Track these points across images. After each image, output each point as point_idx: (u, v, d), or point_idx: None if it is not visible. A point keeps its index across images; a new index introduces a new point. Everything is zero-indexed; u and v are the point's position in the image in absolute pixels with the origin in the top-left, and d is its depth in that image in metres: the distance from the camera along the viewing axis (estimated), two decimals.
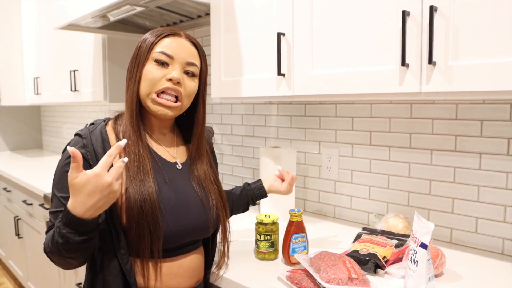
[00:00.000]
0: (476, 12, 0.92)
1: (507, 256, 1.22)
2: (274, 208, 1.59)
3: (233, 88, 1.50)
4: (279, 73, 1.30)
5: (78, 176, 0.79)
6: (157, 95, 0.97)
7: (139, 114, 0.99)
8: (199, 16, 1.96)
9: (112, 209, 0.91)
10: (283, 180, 1.27)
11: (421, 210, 1.40)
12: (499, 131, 1.22)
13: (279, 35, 1.29)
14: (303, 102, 1.72)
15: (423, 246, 0.90)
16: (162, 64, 0.97)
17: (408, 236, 1.21)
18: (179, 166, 1.05)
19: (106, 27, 2.10)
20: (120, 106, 1.06)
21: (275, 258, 1.21)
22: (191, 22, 2.04)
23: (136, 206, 0.90)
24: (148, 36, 0.99)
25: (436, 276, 1.06)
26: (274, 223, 1.19)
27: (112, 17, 1.85)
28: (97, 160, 0.92)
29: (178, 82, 0.97)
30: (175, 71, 0.97)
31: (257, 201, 1.29)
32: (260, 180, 1.30)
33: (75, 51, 2.56)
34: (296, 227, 1.15)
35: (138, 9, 1.69)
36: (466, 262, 1.18)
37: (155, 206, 0.92)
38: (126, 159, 0.83)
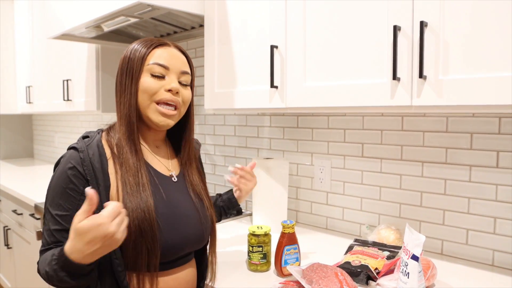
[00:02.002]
0: (465, 27, 0.94)
1: (498, 268, 1.23)
2: (267, 220, 1.59)
3: (226, 99, 1.50)
4: (272, 85, 1.31)
5: (83, 221, 0.76)
6: (157, 103, 0.96)
7: (137, 127, 0.98)
8: (193, 28, 1.97)
9: None
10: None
11: (413, 222, 1.41)
12: (488, 144, 1.24)
13: (272, 47, 1.31)
14: (295, 114, 1.74)
15: (415, 258, 0.91)
16: (158, 76, 0.96)
17: (399, 247, 1.22)
18: (174, 178, 1.05)
19: (100, 37, 2.10)
20: (113, 116, 1.05)
21: (267, 270, 1.20)
22: (185, 33, 2.05)
23: (134, 225, 0.88)
24: (138, 47, 0.97)
25: (427, 287, 1.07)
26: (266, 235, 1.19)
27: (106, 28, 1.85)
28: (95, 176, 0.90)
29: (177, 92, 0.98)
30: (173, 82, 0.97)
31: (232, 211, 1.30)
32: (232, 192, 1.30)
33: (68, 61, 2.55)
34: (288, 239, 1.15)
35: (132, 20, 1.70)
36: (457, 273, 1.19)
37: (153, 224, 0.90)
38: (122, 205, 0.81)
